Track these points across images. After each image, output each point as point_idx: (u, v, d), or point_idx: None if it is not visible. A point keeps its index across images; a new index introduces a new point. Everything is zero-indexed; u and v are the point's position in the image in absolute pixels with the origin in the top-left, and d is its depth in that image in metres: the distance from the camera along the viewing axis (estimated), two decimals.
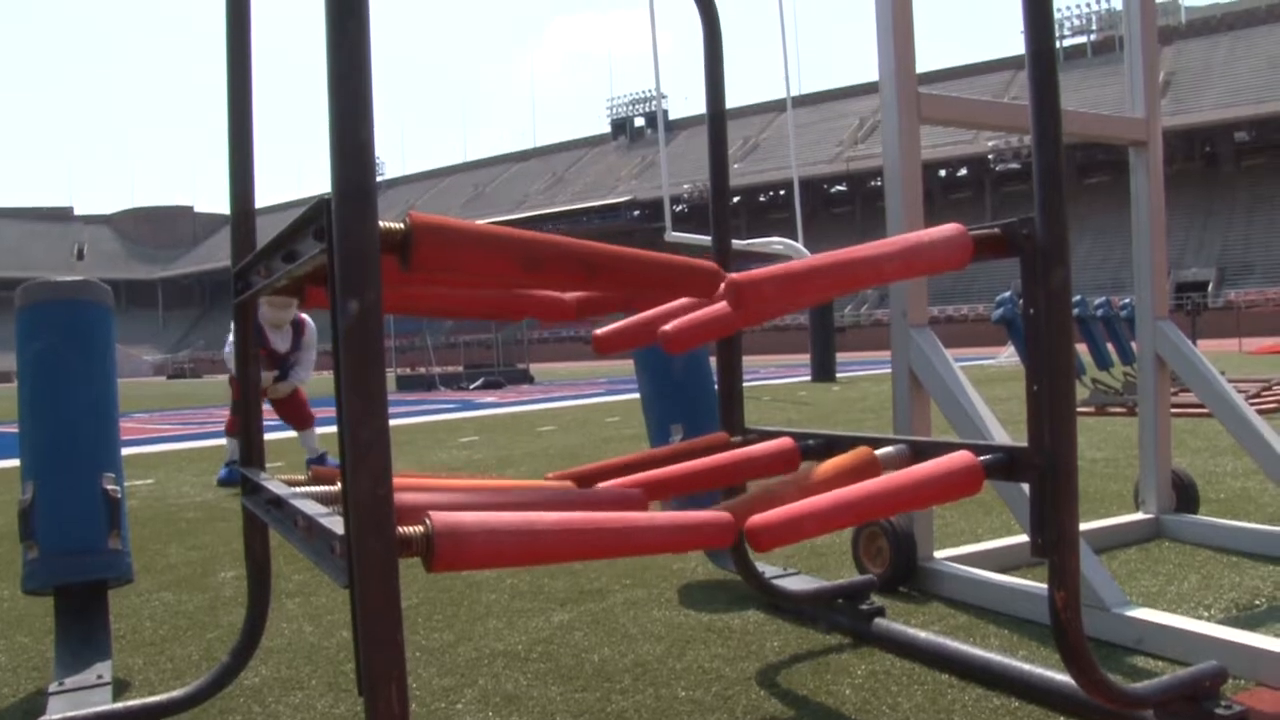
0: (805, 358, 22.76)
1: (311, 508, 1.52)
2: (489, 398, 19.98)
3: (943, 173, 68.73)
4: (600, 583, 3.57)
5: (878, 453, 2.00)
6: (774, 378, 22.35)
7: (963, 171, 69.78)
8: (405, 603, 3.34)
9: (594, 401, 16.19)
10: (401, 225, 1.18)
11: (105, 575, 2.70)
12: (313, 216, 1.28)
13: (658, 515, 1.48)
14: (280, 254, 1.54)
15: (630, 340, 2.06)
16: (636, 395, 3.79)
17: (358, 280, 1.07)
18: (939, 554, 3.35)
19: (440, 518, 1.21)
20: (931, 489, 1.76)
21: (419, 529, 1.17)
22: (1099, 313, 9.83)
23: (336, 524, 1.28)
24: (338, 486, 1.71)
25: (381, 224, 1.13)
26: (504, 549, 1.25)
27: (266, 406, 5.55)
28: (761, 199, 74.44)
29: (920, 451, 2.00)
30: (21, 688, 2.69)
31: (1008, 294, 8.65)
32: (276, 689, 2.57)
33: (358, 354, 1.07)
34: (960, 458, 1.77)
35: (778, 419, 10.73)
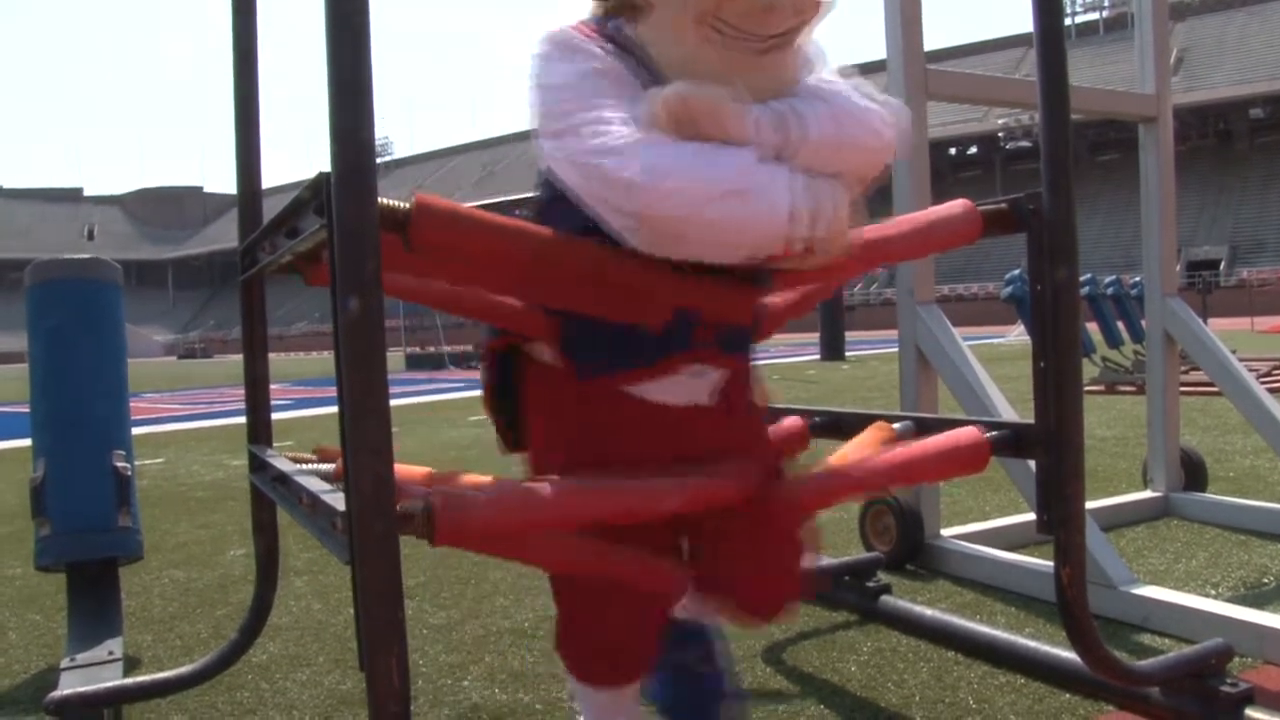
0: (814, 336, 22.71)
1: (314, 484, 1.52)
2: None
3: (952, 151, 68.33)
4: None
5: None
6: (782, 356, 22.31)
7: (972, 149, 69.39)
8: (412, 581, 3.35)
9: None
10: (404, 205, 1.18)
11: (116, 552, 2.72)
12: (313, 192, 1.28)
13: (680, 481, 1.44)
14: (283, 231, 1.54)
15: None
16: None
17: (358, 255, 1.07)
18: (946, 531, 3.35)
19: (441, 491, 1.21)
20: (937, 464, 1.75)
21: (419, 503, 1.17)
22: (1109, 290, 9.79)
23: (338, 500, 1.28)
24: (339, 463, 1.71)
25: (382, 201, 1.13)
26: (507, 521, 1.26)
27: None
28: None
29: (927, 429, 1.99)
30: (33, 664, 2.72)
31: (1017, 271, 8.62)
32: (284, 665, 2.58)
33: (358, 329, 1.07)
34: (967, 433, 1.76)
35: (786, 397, 10.71)
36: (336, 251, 1.08)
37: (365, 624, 1.10)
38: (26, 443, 2.90)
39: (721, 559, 1.54)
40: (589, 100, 1.25)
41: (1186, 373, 7.00)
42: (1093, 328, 9.66)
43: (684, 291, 1.36)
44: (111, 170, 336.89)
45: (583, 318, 1.36)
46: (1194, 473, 3.92)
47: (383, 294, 1.09)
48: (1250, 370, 3.75)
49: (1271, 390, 4.02)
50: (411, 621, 2.76)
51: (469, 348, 28.87)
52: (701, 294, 1.37)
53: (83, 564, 2.69)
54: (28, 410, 2.84)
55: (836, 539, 3.74)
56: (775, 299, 1.75)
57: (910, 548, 3.24)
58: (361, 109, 1.07)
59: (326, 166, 1.14)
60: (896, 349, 3.36)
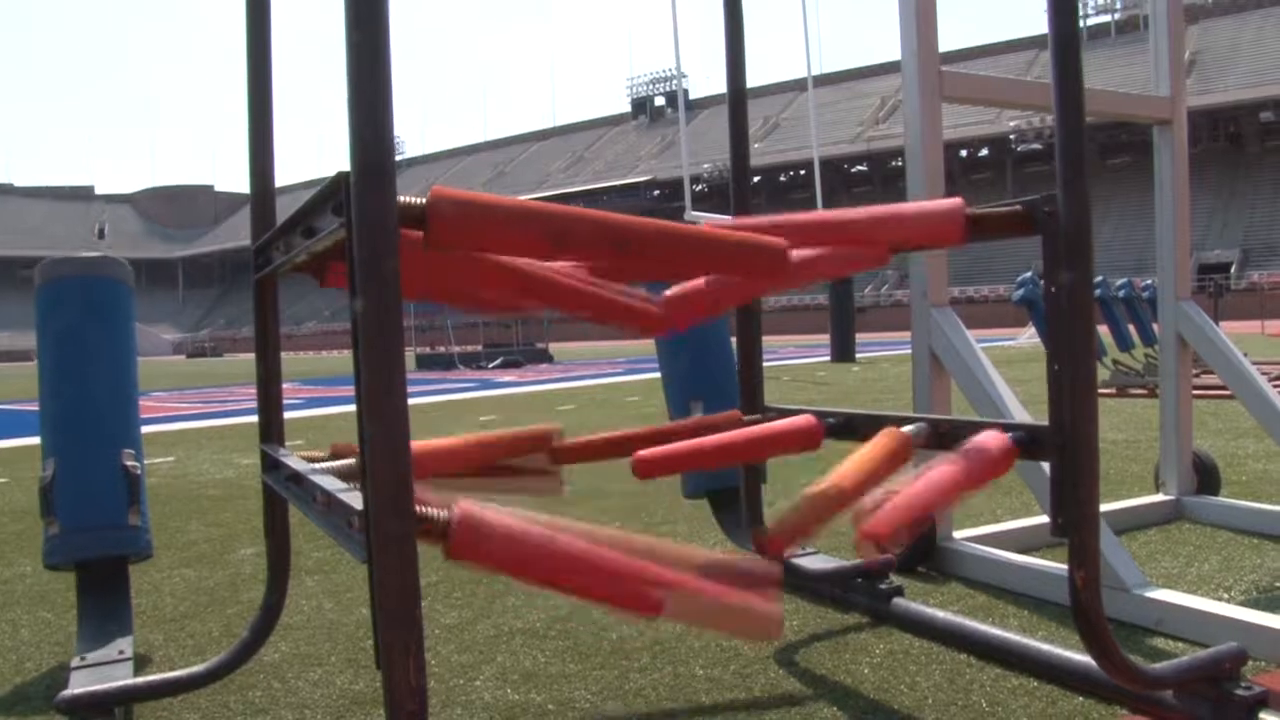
0: (825, 338, 22.71)
1: (330, 483, 1.52)
2: (508, 376, 20.02)
3: (964, 153, 68.30)
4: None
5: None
6: (793, 358, 22.30)
7: (984, 152, 69.35)
8: (424, 580, 3.34)
9: (614, 381, 16.19)
10: (421, 200, 1.18)
11: (125, 551, 2.72)
12: (331, 191, 1.28)
13: (704, 583, 1.39)
14: (299, 230, 1.54)
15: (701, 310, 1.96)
16: (656, 375, 3.78)
17: (377, 255, 1.07)
18: (958, 534, 3.34)
19: (464, 508, 1.21)
20: (978, 472, 1.76)
21: (441, 513, 1.17)
22: (1121, 293, 9.77)
23: (355, 499, 1.28)
24: (356, 461, 1.71)
25: (401, 198, 1.13)
26: (523, 557, 1.24)
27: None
28: (782, 179, 74.15)
29: (941, 430, 1.99)
30: (44, 662, 2.72)
31: (1029, 274, 8.60)
32: (296, 665, 2.58)
33: (376, 329, 1.07)
34: (994, 438, 1.76)
35: (798, 399, 10.70)
36: (355, 251, 1.08)
37: (382, 623, 1.11)
38: (36, 441, 2.90)
39: None
40: None
41: (1199, 376, 6.98)
42: (1103, 330, 9.64)
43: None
44: (123, 168, 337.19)
45: None
46: (1207, 476, 3.90)
47: (401, 294, 1.09)
48: (1262, 374, 3.73)
49: None
50: (424, 621, 2.76)
51: (479, 348, 28.93)
52: None
53: (92, 563, 2.69)
54: (37, 409, 2.84)
55: (848, 540, 3.73)
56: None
57: (922, 550, 3.23)
58: (381, 108, 1.07)
59: (340, 166, 1.14)
60: (906, 351, 3.35)
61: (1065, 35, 1.70)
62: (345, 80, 1.07)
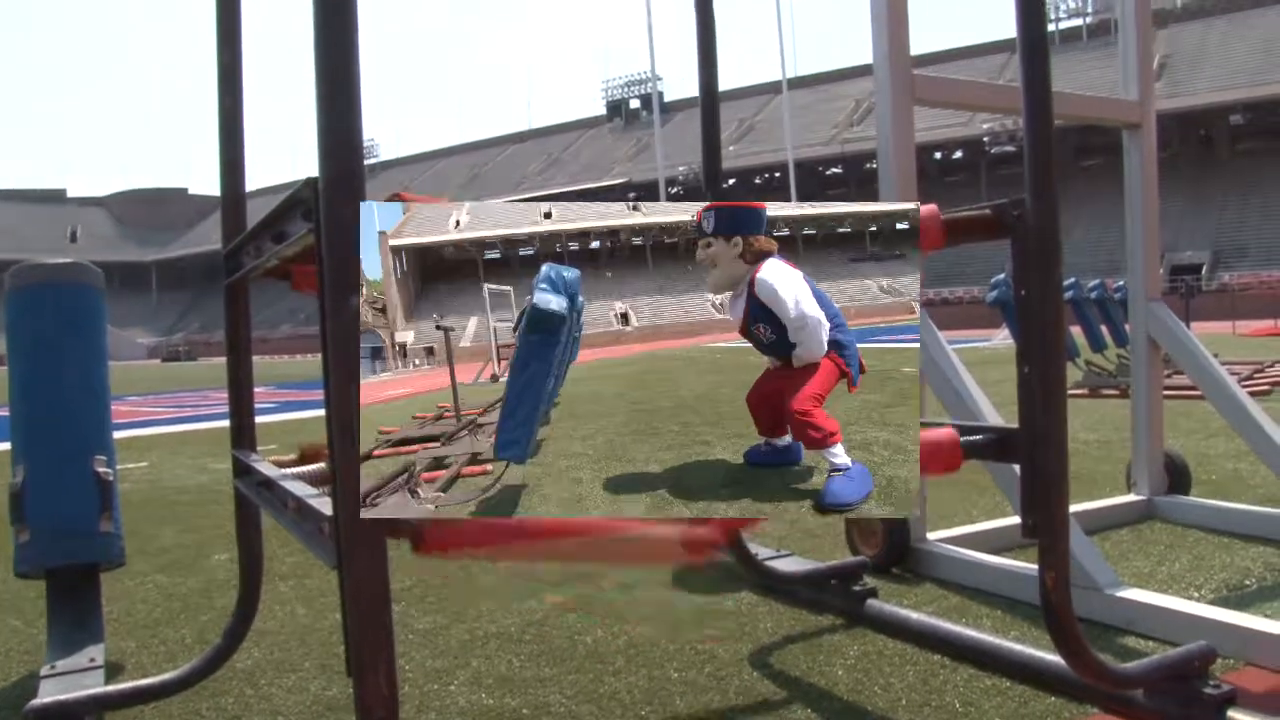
0: None
1: (300, 489, 1.52)
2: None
3: (938, 155, 68.54)
4: (593, 566, 3.56)
5: None
6: None
7: (958, 154, 69.63)
8: (398, 585, 3.34)
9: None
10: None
11: (96, 558, 2.70)
12: (301, 197, 1.28)
13: (649, 523, 1.45)
14: (269, 234, 1.54)
15: None
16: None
17: (346, 260, 1.07)
18: (932, 535, 3.35)
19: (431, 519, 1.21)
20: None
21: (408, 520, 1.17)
22: (1093, 295, 9.82)
23: (325, 505, 1.27)
24: (326, 467, 1.70)
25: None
26: (490, 538, 1.26)
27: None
28: (757, 181, 74.27)
29: None
30: (14, 671, 2.70)
31: (1003, 276, 8.64)
32: (269, 671, 2.57)
33: (346, 334, 1.07)
34: (942, 433, 1.77)
35: None
36: (325, 256, 1.08)
37: (353, 629, 1.10)
38: (6, 447, 2.88)
39: None
40: None
41: (1170, 376, 7.03)
42: (1076, 331, 9.69)
43: None
44: (95, 171, 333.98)
45: None
46: (1177, 476, 3.94)
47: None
48: (1232, 374, 3.77)
49: (1253, 394, 4.02)
50: (397, 626, 2.74)
51: None
52: None
53: (63, 570, 2.67)
54: (7, 414, 2.81)
55: (823, 543, 3.74)
56: None
57: (897, 551, 3.24)
58: (350, 115, 1.07)
59: (312, 170, 1.14)
60: None
61: (1034, 40, 1.71)
62: (314, 86, 1.07)
